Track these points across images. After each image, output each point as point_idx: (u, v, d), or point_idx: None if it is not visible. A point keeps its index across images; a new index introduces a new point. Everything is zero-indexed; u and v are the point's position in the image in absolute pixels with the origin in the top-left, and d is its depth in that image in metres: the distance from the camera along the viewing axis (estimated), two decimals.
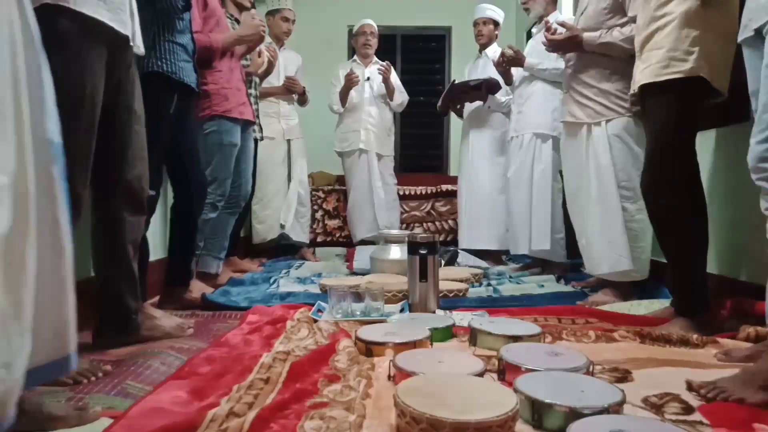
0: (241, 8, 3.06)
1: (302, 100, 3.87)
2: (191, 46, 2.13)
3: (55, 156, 0.98)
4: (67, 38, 1.34)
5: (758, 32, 1.30)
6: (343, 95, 3.90)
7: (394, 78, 3.99)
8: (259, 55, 3.17)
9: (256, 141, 3.34)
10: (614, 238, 2.32)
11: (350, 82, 3.82)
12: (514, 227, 3.19)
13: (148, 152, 1.72)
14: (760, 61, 1.32)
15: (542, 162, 3.05)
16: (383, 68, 3.85)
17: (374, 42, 4.04)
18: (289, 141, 3.83)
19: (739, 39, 1.40)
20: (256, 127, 3.28)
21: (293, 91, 3.75)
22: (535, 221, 3.02)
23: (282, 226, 3.80)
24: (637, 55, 1.95)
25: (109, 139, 1.58)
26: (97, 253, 1.70)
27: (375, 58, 4.10)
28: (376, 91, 3.99)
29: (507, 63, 3.10)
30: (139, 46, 1.63)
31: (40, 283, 0.96)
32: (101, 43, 1.44)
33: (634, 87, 1.94)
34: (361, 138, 3.93)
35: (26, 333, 0.90)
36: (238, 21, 3.08)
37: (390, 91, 3.95)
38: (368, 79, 3.99)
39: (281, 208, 3.78)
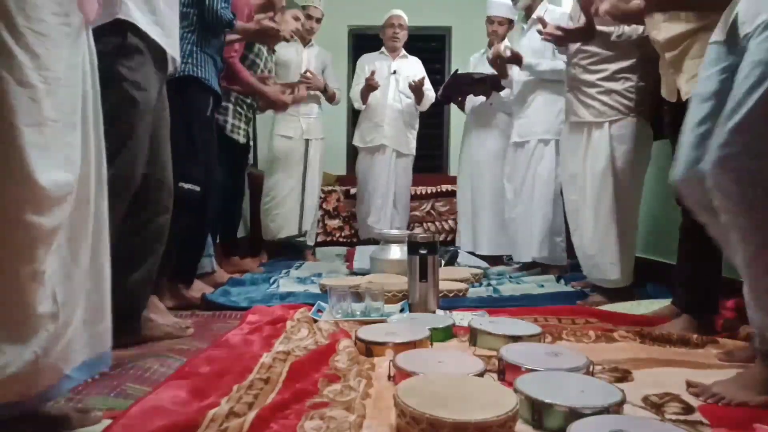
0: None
1: (328, 98, 3.78)
2: (220, 64, 2.33)
3: (104, 158, 1.11)
4: (135, 50, 1.56)
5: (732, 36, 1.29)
6: (364, 95, 3.82)
7: (426, 86, 3.88)
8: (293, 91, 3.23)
9: (245, 143, 3.33)
10: (606, 244, 2.29)
11: (369, 87, 3.74)
12: (517, 234, 3.12)
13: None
14: (718, 62, 1.32)
15: (545, 168, 2.99)
16: (415, 83, 3.74)
17: (403, 35, 3.90)
18: (307, 141, 3.74)
19: (713, 39, 1.38)
20: (242, 131, 3.25)
21: (310, 89, 3.62)
22: (537, 228, 2.98)
23: (303, 234, 3.76)
24: (673, 65, 1.87)
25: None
26: (120, 252, 1.70)
27: (403, 51, 3.98)
28: (402, 86, 3.87)
29: (505, 62, 3.06)
30: (176, 60, 1.75)
31: (89, 280, 1.05)
32: (158, 58, 1.64)
33: (677, 97, 1.87)
34: (384, 134, 3.85)
35: (69, 324, 0.99)
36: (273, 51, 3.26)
37: (419, 99, 3.86)
38: (394, 72, 3.87)
39: (294, 208, 3.70)
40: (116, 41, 1.52)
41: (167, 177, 1.76)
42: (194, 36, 2.18)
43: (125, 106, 1.54)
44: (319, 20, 3.72)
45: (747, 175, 1.18)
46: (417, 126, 4.04)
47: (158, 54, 1.64)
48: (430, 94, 3.91)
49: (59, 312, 0.97)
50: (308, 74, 3.61)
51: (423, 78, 3.83)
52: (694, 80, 1.78)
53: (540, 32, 2.42)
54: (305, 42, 3.74)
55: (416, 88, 3.79)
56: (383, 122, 3.87)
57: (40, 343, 0.93)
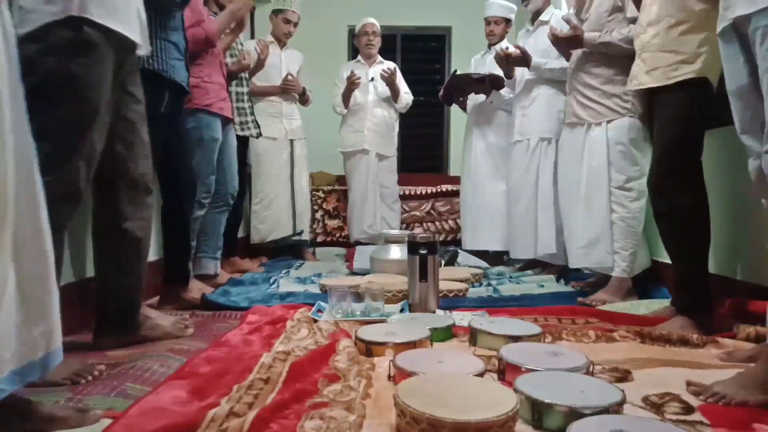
0: (222, 7, 2.95)
1: (303, 100, 3.84)
2: (183, 44, 2.13)
3: (34, 156, 1.03)
4: (90, 45, 1.42)
5: (735, 23, 1.29)
6: (346, 97, 3.88)
7: (400, 80, 3.95)
8: (244, 57, 3.14)
9: (246, 138, 3.33)
10: (598, 235, 2.36)
11: (352, 84, 3.80)
12: (517, 232, 3.15)
13: None
14: (737, 56, 1.31)
15: (548, 166, 3.02)
16: (387, 73, 3.81)
17: (377, 41, 3.99)
18: (292, 141, 3.80)
19: (718, 30, 1.38)
20: (251, 124, 3.27)
21: (291, 91, 3.72)
22: (541, 226, 3.00)
23: (299, 233, 3.79)
24: (637, 54, 1.96)
25: (116, 139, 1.60)
26: (101, 252, 1.70)
27: (379, 58, 4.06)
28: (381, 92, 3.95)
29: (513, 63, 3.07)
30: (144, 46, 1.64)
31: (23, 281, 0.98)
32: (114, 49, 1.49)
33: (637, 87, 1.96)
34: (364, 138, 3.90)
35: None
36: None
37: (395, 94, 3.92)
38: (372, 79, 3.94)
39: (285, 209, 3.75)
40: (69, 36, 1.38)
41: (144, 175, 1.69)
42: (149, 24, 1.91)
43: (78, 109, 1.42)
44: (296, 24, 3.74)
45: None
46: (397, 128, 4.11)
47: (121, 43, 1.50)
48: (407, 96, 4.00)
49: None
50: (290, 77, 3.66)
51: (395, 68, 3.91)
52: (656, 73, 1.86)
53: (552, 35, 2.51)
54: (282, 44, 3.78)
55: (389, 81, 3.83)
56: (363, 127, 3.92)
57: None
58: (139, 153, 1.67)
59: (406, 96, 4.00)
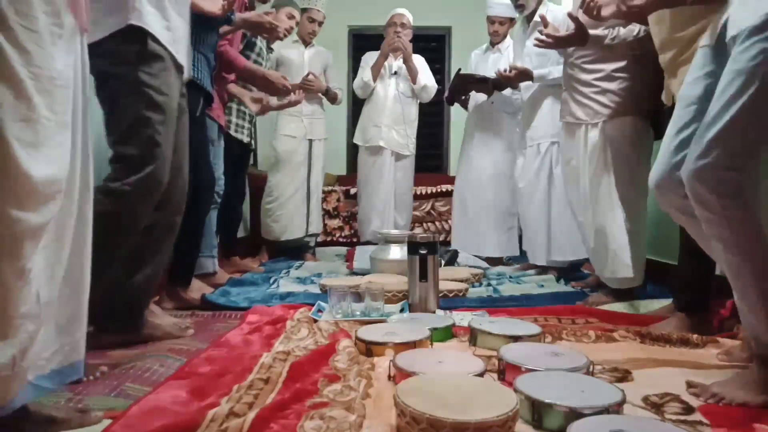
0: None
1: (330, 99, 3.80)
2: (212, 62, 2.30)
3: (90, 164, 1.11)
4: (155, 57, 1.59)
5: (721, 41, 1.28)
6: (378, 66, 3.80)
7: (424, 70, 3.86)
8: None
9: (247, 146, 3.33)
10: (611, 242, 2.25)
11: (390, 46, 3.71)
12: (532, 237, 3.08)
13: None
14: (706, 68, 1.31)
15: (560, 170, 2.90)
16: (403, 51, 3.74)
17: (405, 33, 3.80)
18: (311, 141, 3.77)
19: (702, 43, 1.37)
20: (246, 131, 3.26)
21: (310, 90, 3.63)
22: (555, 231, 2.93)
23: (314, 235, 3.78)
24: (668, 72, 1.89)
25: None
26: (130, 250, 1.70)
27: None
28: (402, 88, 3.89)
29: (515, 80, 3.01)
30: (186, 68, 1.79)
31: (67, 284, 1.03)
32: (176, 64, 1.67)
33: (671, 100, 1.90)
34: (381, 135, 3.85)
35: (42, 327, 0.96)
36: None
37: (413, 73, 3.81)
38: (395, 73, 3.87)
39: (299, 210, 3.72)
40: (136, 48, 1.55)
41: (183, 179, 1.77)
42: (192, 36, 2.11)
43: (150, 112, 1.56)
44: (321, 23, 3.72)
45: (722, 188, 1.16)
46: (416, 126, 4.02)
47: (175, 60, 1.66)
48: (429, 83, 3.88)
49: (41, 313, 0.94)
50: (310, 77, 3.61)
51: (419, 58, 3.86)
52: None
53: (537, 38, 2.38)
54: (306, 43, 3.76)
55: (408, 64, 3.78)
56: (382, 123, 3.86)
57: (19, 345, 0.90)
58: (186, 158, 1.79)
59: (429, 82, 3.87)
